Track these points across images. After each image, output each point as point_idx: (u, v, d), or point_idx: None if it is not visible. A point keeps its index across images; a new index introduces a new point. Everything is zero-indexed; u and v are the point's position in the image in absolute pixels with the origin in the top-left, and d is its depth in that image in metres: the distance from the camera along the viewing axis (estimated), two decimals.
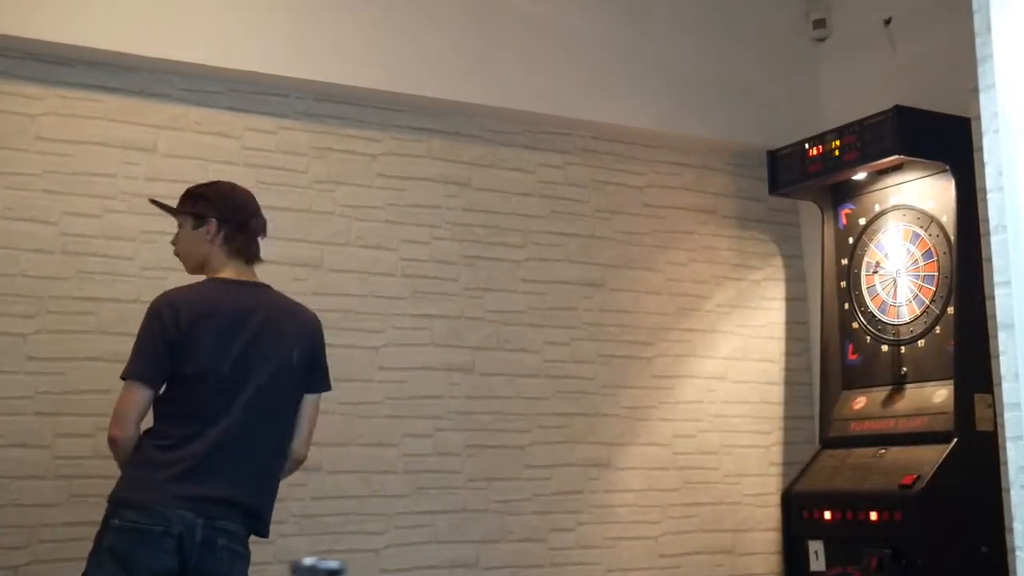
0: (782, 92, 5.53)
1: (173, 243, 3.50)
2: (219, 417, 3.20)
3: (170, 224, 4.26)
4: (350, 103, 4.67)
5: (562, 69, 4.99)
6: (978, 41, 2.50)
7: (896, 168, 4.89)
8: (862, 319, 5.02)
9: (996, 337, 2.52)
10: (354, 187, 4.65)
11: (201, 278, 3.44)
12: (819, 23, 5.58)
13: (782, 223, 5.63)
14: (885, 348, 4.91)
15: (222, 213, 3.40)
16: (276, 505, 4.35)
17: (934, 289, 4.74)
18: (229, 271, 3.38)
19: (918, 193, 4.87)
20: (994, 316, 2.54)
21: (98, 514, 3.71)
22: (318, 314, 4.54)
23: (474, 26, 4.85)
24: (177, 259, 3.53)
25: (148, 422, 3.30)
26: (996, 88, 2.44)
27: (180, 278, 4.26)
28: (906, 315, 4.85)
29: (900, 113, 4.63)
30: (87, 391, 4.08)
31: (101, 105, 4.25)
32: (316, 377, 3.45)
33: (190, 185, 3.58)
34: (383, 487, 4.54)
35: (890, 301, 4.92)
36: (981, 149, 2.55)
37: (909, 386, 4.77)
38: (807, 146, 5.04)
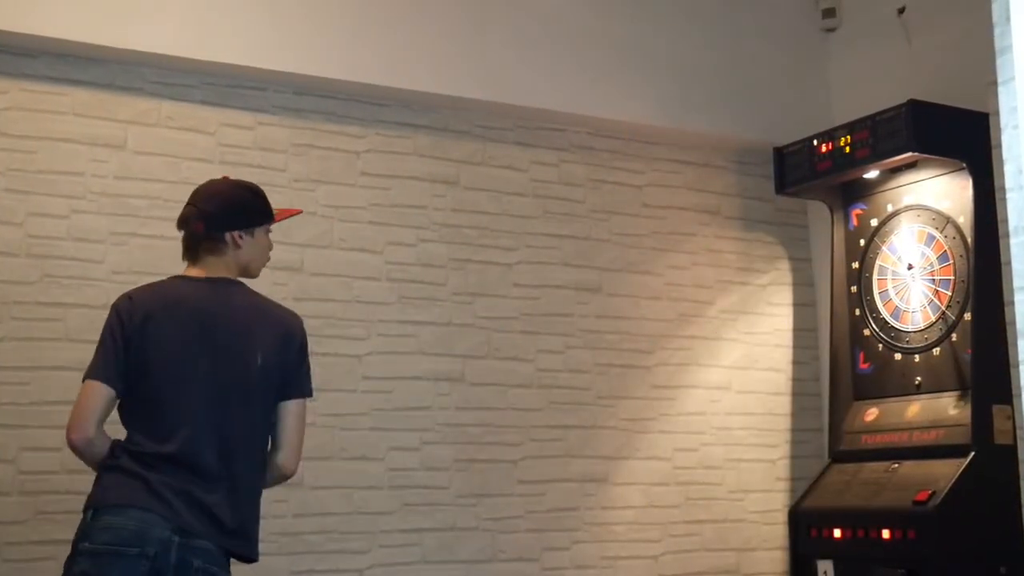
0: (790, 86, 5.55)
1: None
2: (180, 425, 3.16)
3: (140, 226, 4.28)
4: (332, 97, 4.67)
5: (557, 61, 5.00)
6: (996, 32, 2.51)
7: (910, 166, 4.91)
8: (874, 326, 5.03)
9: (1015, 345, 2.52)
10: (336, 186, 4.66)
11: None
12: (829, 12, 5.59)
13: (789, 224, 5.65)
14: (898, 356, 4.93)
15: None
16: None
17: (950, 294, 4.75)
18: (194, 269, 3.36)
19: (933, 192, 4.89)
20: (1013, 323, 2.54)
21: (66, 532, 3.69)
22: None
23: (463, 15, 4.86)
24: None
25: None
26: (1016, 81, 2.45)
27: (152, 281, 4.26)
28: (920, 322, 4.86)
29: (914, 108, 4.64)
30: (54, 402, 4.07)
31: (68, 99, 4.25)
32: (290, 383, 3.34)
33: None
34: (367, 503, 4.54)
35: (903, 307, 4.93)
36: (1000, 146, 2.55)
37: (923, 397, 4.78)
38: (816, 143, 5.05)
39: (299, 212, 3.84)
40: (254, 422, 3.27)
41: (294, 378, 3.34)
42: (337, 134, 4.69)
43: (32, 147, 4.18)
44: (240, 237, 3.36)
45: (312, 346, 4.48)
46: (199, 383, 3.19)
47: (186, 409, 3.17)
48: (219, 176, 4.41)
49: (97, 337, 4.16)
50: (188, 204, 3.41)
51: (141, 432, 3.18)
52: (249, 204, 3.43)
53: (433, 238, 4.81)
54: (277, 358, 3.30)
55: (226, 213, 3.37)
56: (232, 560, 3.25)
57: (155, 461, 3.13)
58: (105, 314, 3.31)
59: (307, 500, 4.44)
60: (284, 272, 4.49)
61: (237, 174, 4.45)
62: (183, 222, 3.40)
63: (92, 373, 3.21)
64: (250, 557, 3.30)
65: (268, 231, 3.47)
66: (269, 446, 3.32)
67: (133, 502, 3.08)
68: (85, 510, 3.15)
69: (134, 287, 3.42)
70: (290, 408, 3.33)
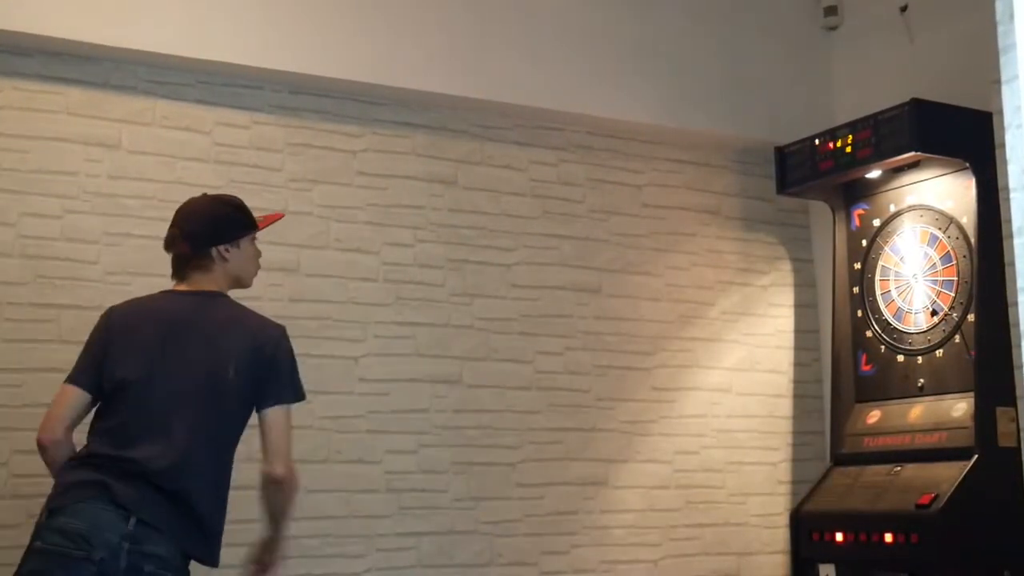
0: (791, 84, 5.54)
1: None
2: (140, 433, 3.21)
3: (135, 226, 4.27)
4: (328, 96, 4.67)
5: (555, 59, 5.00)
6: (1000, 30, 2.50)
7: (913, 165, 4.90)
8: (876, 327, 5.02)
9: (1019, 347, 2.52)
10: (333, 186, 4.65)
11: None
12: (830, 10, 5.59)
13: (791, 224, 5.64)
14: (901, 358, 4.92)
15: None
16: (248, 526, 4.34)
17: (953, 295, 4.75)
18: (182, 285, 3.42)
19: (936, 192, 4.88)
20: (1017, 324, 2.54)
21: None
22: (295, 322, 4.52)
23: (461, 14, 4.85)
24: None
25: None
26: (1019, 80, 2.44)
27: (146, 283, 4.26)
28: (923, 323, 4.85)
29: (917, 107, 4.64)
30: (47, 404, 4.03)
31: (61, 98, 4.25)
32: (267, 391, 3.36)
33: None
34: (364, 507, 4.54)
35: (906, 308, 4.93)
36: (1003, 145, 2.55)
37: (926, 399, 4.78)
38: (818, 142, 5.05)
39: (281, 216, 3.83)
40: (216, 433, 3.29)
41: (267, 387, 3.33)
42: (333, 133, 4.68)
43: (25, 146, 4.17)
44: (226, 251, 3.40)
45: (308, 348, 4.50)
46: (161, 391, 3.22)
47: (147, 418, 3.20)
48: (217, 178, 4.43)
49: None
50: (171, 226, 3.44)
51: (103, 437, 3.22)
52: (231, 217, 3.45)
53: (430, 238, 4.80)
54: (248, 370, 3.31)
55: (209, 230, 3.39)
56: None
57: (112, 465, 3.15)
58: (98, 315, 3.34)
59: (303, 503, 4.42)
60: (279, 273, 4.48)
61: (232, 174, 4.46)
62: (169, 244, 3.43)
63: (69, 376, 3.30)
64: (210, 560, 3.30)
65: (253, 240, 3.50)
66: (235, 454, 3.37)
67: (86, 505, 3.11)
68: (42, 511, 3.20)
69: (127, 294, 3.45)
70: (268, 416, 3.33)
